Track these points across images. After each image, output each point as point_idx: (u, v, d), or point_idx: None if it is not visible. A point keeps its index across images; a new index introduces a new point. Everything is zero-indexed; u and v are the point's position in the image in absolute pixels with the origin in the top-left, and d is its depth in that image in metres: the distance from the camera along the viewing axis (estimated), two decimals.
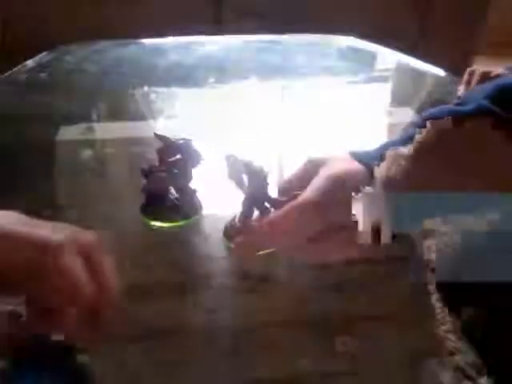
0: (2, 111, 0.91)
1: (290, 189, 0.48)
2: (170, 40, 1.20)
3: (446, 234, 0.62)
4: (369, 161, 0.46)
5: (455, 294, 0.53)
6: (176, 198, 0.63)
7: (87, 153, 0.82)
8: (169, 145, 0.62)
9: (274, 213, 0.48)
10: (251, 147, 0.74)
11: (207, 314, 0.54)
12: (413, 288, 0.56)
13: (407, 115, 0.91)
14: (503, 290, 0.47)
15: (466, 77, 0.81)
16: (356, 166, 0.46)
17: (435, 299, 0.54)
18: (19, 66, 1.05)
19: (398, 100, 1.00)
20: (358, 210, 0.43)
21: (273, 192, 0.57)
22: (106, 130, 0.90)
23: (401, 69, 1.08)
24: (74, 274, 0.34)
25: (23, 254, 0.33)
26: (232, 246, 0.59)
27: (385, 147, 0.47)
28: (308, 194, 0.44)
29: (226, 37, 1.26)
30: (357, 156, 0.48)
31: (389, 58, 1.11)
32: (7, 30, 1.55)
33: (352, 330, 0.51)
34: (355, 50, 1.13)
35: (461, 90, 0.80)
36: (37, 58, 1.09)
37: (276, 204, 0.49)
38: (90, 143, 0.84)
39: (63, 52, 1.13)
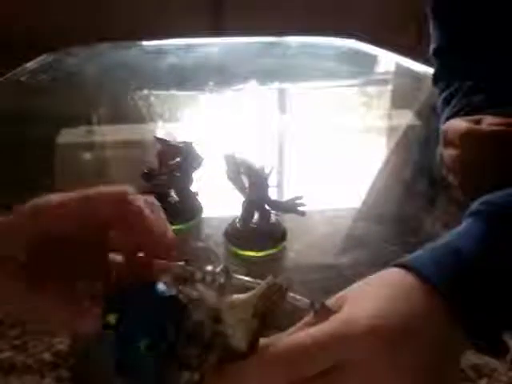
0: (2, 113, 0.91)
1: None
2: (170, 42, 1.20)
3: None
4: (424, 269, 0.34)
5: None
6: (176, 201, 0.63)
7: (87, 155, 0.82)
8: (169, 148, 0.62)
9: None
10: (251, 150, 0.74)
11: None
12: None
13: (407, 118, 0.91)
14: None
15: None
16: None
17: None
18: (20, 68, 1.05)
19: (398, 102, 1.01)
20: None
21: (273, 194, 0.58)
22: (106, 132, 0.90)
23: (401, 71, 1.08)
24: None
25: (105, 210, 0.34)
26: (233, 248, 0.59)
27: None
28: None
29: (225, 38, 1.26)
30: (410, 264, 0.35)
31: (389, 60, 1.11)
32: (8, 31, 1.55)
33: None
34: (356, 53, 1.13)
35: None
36: (38, 60, 1.09)
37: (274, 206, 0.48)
38: (91, 146, 0.85)
39: (64, 54, 1.13)
